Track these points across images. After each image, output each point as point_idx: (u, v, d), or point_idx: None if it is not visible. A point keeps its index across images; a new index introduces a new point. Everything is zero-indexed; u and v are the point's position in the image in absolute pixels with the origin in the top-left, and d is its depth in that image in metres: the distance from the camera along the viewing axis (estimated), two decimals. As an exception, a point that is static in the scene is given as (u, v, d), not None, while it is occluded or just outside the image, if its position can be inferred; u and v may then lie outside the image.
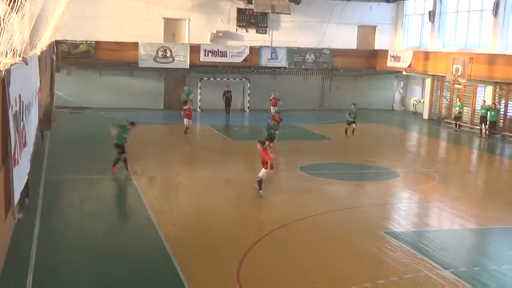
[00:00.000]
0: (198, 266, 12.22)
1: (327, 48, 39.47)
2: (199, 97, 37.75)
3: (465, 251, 14.16)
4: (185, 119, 28.43)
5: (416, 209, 18.01)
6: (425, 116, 38.31)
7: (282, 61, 38.65)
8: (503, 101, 32.50)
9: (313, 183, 19.90)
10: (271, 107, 33.00)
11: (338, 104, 39.05)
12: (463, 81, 33.47)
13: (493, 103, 32.03)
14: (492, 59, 31.22)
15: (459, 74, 32.90)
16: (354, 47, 41.00)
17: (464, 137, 32.31)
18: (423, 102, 39.29)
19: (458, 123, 34.17)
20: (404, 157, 25.76)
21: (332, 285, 11.35)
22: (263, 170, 17.46)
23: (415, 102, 40.95)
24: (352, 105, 29.46)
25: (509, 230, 15.59)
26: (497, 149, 29.55)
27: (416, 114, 39.54)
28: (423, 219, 16.84)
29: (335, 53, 39.48)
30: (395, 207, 18.02)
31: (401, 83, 42.30)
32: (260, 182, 17.55)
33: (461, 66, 32.69)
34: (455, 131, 33.85)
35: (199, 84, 37.80)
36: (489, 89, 32.79)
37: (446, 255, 13.31)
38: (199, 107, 37.53)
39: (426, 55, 36.82)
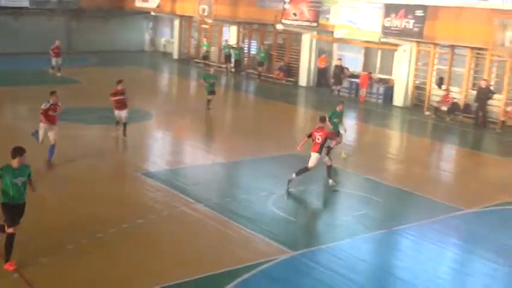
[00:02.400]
0: None
1: (72, -13, 37.84)
2: None
3: (217, 184, 15.06)
4: (116, 111, 18.18)
5: (170, 148, 18.59)
6: (175, 56, 39.09)
7: (23, 0, 36.06)
8: (246, 41, 34.51)
9: (66, 129, 19.30)
10: (53, 58, 29.81)
11: (87, 46, 38.03)
12: (210, 21, 34.66)
13: (236, 42, 33.81)
14: (235, 0, 32.65)
15: (206, 14, 33.96)
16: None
17: (212, 76, 33.69)
18: (173, 42, 39.95)
19: (206, 62, 35.53)
20: (156, 98, 26.18)
21: (89, 229, 11.27)
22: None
23: (165, 42, 41.43)
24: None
25: (253, 160, 16.89)
26: (242, 85, 31.42)
27: (167, 55, 40.13)
28: (177, 157, 17.46)
29: (81, -8, 38.05)
30: (150, 148, 18.41)
31: (151, 23, 42.38)
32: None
33: (207, 6, 33.74)
34: (204, 70, 35.13)
35: None
36: (234, 28, 34.47)
37: (199, 189, 14.05)
38: None
39: (174, -4, 37.24)
